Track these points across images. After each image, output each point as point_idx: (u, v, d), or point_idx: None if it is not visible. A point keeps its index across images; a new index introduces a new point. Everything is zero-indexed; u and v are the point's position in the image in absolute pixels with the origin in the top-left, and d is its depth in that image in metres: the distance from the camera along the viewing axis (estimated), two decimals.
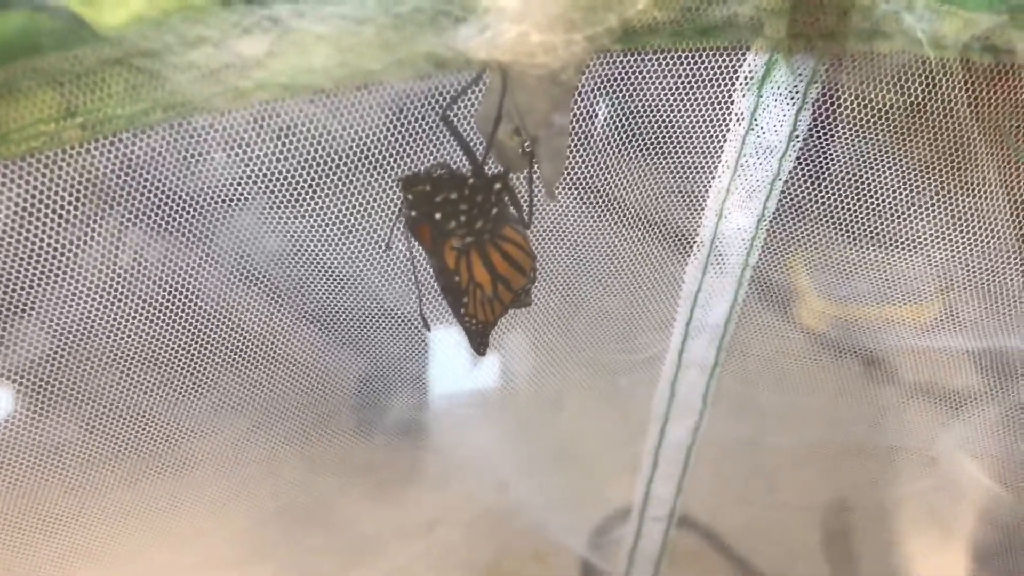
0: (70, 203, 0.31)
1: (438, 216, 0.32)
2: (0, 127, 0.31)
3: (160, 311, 0.39)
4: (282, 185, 0.34)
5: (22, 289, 0.34)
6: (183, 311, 0.40)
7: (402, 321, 0.46)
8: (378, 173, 0.36)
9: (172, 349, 0.41)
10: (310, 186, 0.35)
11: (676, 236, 0.46)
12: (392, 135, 0.34)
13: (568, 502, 0.69)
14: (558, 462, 0.67)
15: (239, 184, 0.33)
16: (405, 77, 0.27)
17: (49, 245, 0.32)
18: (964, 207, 0.39)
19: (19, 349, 0.36)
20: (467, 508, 0.69)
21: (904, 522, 0.68)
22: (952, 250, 0.41)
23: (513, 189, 0.33)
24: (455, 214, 0.32)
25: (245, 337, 0.44)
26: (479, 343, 0.37)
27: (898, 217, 0.41)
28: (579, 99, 0.37)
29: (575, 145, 0.39)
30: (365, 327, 0.47)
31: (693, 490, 0.61)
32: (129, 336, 0.39)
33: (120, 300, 0.35)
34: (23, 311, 0.35)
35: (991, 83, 0.34)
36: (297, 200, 0.36)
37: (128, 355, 0.40)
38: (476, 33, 0.27)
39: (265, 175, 0.33)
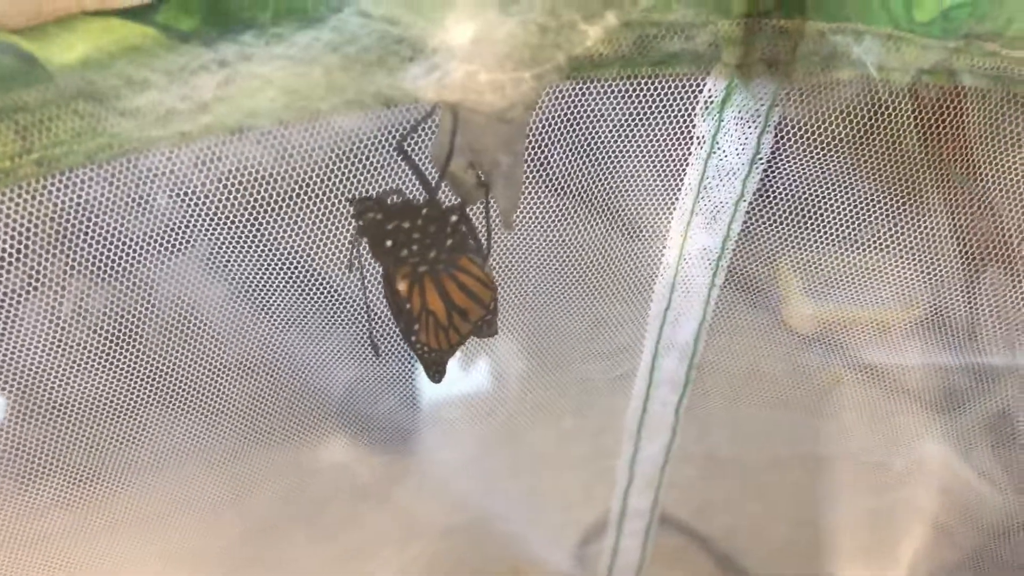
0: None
1: (389, 243, 0.32)
2: None
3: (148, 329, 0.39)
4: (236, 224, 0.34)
5: None
6: (162, 333, 0.40)
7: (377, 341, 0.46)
8: (333, 203, 0.36)
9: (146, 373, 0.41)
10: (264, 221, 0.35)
11: (643, 257, 0.46)
12: (345, 168, 0.34)
13: (546, 515, 0.69)
14: (535, 476, 0.67)
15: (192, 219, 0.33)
16: (353, 115, 0.27)
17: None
18: (910, 235, 0.40)
19: None
20: (446, 520, 0.69)
21: (887, 525, 0.69)
22: (903, 273, 0.42)
23: (470, 220, 0.33)
24: (407, 243, 0.32)
25: (226, 350, 0.44)
26: (434, 371, 0.37)
27: (852, 243, 0.42)
28: (534, 128, 0.37)
29: (534, 169, 0.39)
30: (343, 338, 0.47)
31: (675, 491, 0.61)
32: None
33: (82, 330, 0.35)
34: None
35: (939, 111, 0.35)
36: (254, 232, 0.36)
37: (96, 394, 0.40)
38: (424, 73, 0.27)
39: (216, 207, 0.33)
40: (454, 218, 0.33)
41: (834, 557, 0.70)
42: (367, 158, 0.34)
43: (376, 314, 0.38)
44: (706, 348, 0.49)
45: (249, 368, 0.47)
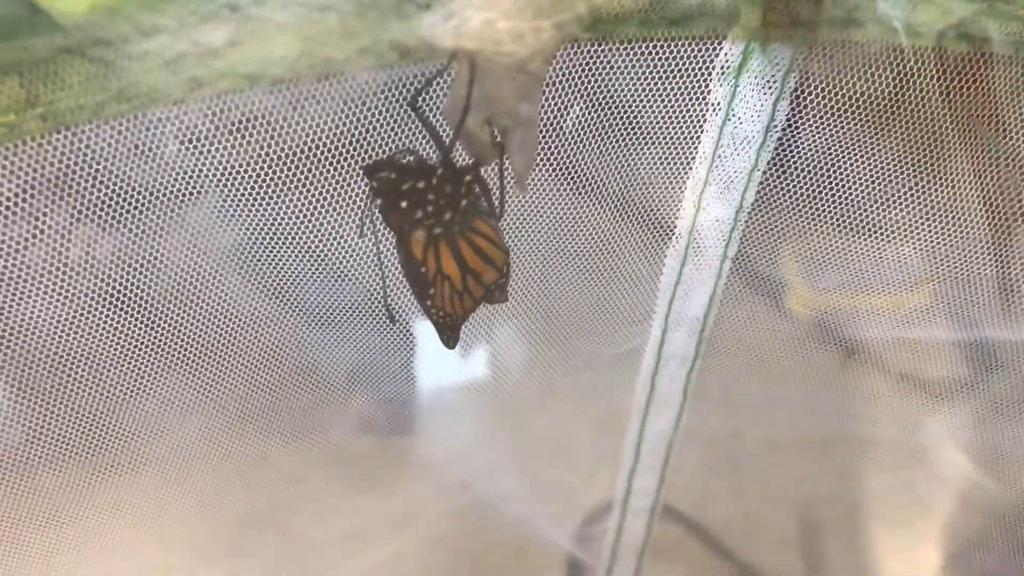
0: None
1: (404, 204, 0.32)
2: None
3: (134, 308, 0.38)
4: (247, 178, 0.33)
5: None
6: (159, 306, 0.39)
7: (382, 313, 0.46)
8: (344, 164, 0.35)
9: (150, 346, 0.41)
10: (276, 177, 0.34)
11: (655, 227, 0.45)
12: (358, 125, 0.34)
13: (551, 496, 0.69)
14: (540, 456, 0.66)
15: (200, 178, 0.32)
16: (368, 67, 0.26)
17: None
18: (937, 198, 0.39)
19: None
20: (451, 501, 0.68)
21: (889, 512, 0.68)
22: (928, 241, 0.41)
23: (484, 181, 0.33)
24: (422, 204, 0.32)
25: (227, 332, 0.44)
26: (448, 336, 0.37)
27: (873, 208, 0.41)
28: (550, 90, 0.36)
29: (549, 137, 0.38)
30: (348, 318, 0.46)
31: (676, 481, 0.61)
32: (104, 333, 0.38)
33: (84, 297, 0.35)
34: None
35: (965, 73, 0.34)
36: (264, 191, 0.35)
37: (100, 353, 0.39)
38: (441, 20, 0.27)
39: (227, 169, 0.32)
40: (468, 178, 0.32)
41: (833, 542, 0.70)
42: (380, 118, 0.34)
43: (391, 280, 0.37)
44: (716, 323, 0.49)
45: (252, 350, 0.46)
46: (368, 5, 0.26)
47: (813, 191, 0.43)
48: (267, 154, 0.32)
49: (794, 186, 0.43)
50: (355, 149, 0.34)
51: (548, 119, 0.38)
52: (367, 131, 0.34)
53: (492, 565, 0.72)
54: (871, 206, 0.41)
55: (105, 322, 0.36)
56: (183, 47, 0.25)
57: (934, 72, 0.34)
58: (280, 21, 0.25)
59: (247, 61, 0.26)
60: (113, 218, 0.32)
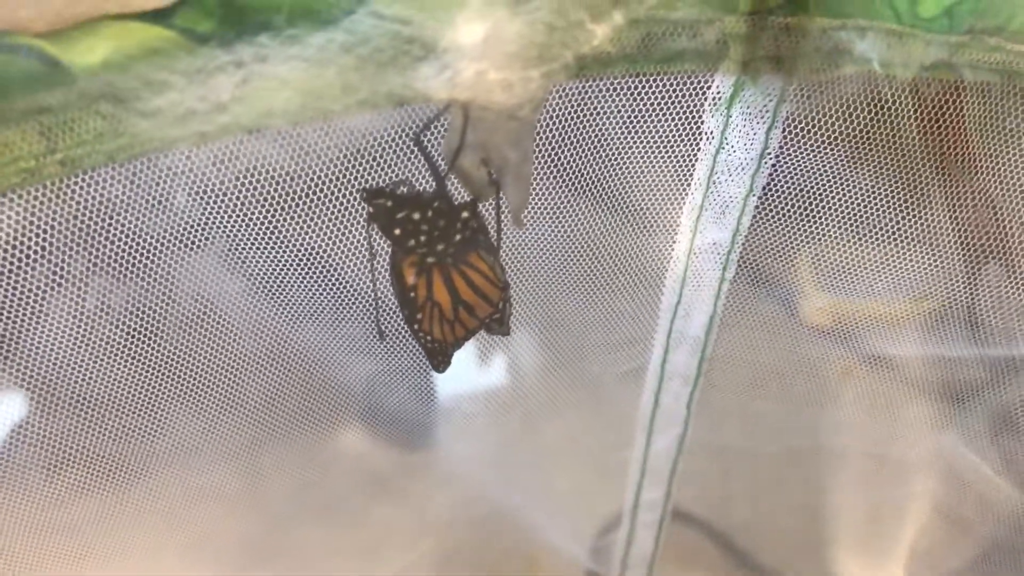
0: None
1: (397, 232, 0.33)
2: None
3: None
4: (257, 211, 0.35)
5: None
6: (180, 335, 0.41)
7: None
8: (345, 198, 0.36)
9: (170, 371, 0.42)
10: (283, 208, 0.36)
11: (652, 251, 0.47)
12: (357, 164, 0.35)
13: (561, 508, 0.70)
14: (550, 469, 0.67)
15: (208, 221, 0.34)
16: (365, 115, 0.27)
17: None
18: (916, 227, 0.40)
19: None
20: (462, 513, 0.69)
21: (901, 518, 0.69)
22: (916, 263, 0.42)
23: (481, 218, 0.34)
24: (415, 233, 0.33)
25: (244, 344, 0.45)
26: (437, 361, 0.38)
27: (860, 236, 0.42)
28: (543, 128, 0.38)
29: (544, 170, 0.40)
30: (360, 335, 0.48)
31: (689, 485, 0.62)
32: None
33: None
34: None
35: (940, 106, 0.35)
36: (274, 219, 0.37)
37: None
38: (436, 72, 0.28)
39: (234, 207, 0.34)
40: (465, 214, 0.33)
41: (846, 549, 0.70)
42: (379, 155, 0.35)
43: (384, 301, 0.39)
44: (717, 341, 0.50)
45: (268, 362, 0.47)
46: (366, 59, 0.27)
47: (808, 215, 0.44)
48: (270, 196, 0.34)
49: (789, 209, 0.44)
50: (355, 186, 0.36)
51: (543, 153, 0.39)
52: (365, 170, 0.36)
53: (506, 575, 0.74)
54: (860, 230, 0.42)
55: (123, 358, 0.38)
56: (192, 103, 0.26)
57: (910, 106, 0.35)
58: (283, 76, 0.27)
59: (251, 113, 0.27)
60: (127, 266, 0.34)
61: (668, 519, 0.64)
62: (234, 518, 0.58)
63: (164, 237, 0.35)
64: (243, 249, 0.38)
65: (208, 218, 0.34)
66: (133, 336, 0.37)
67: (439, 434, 0.65)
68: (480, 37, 0.28)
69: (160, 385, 0.43)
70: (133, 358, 0.38)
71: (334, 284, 0.44)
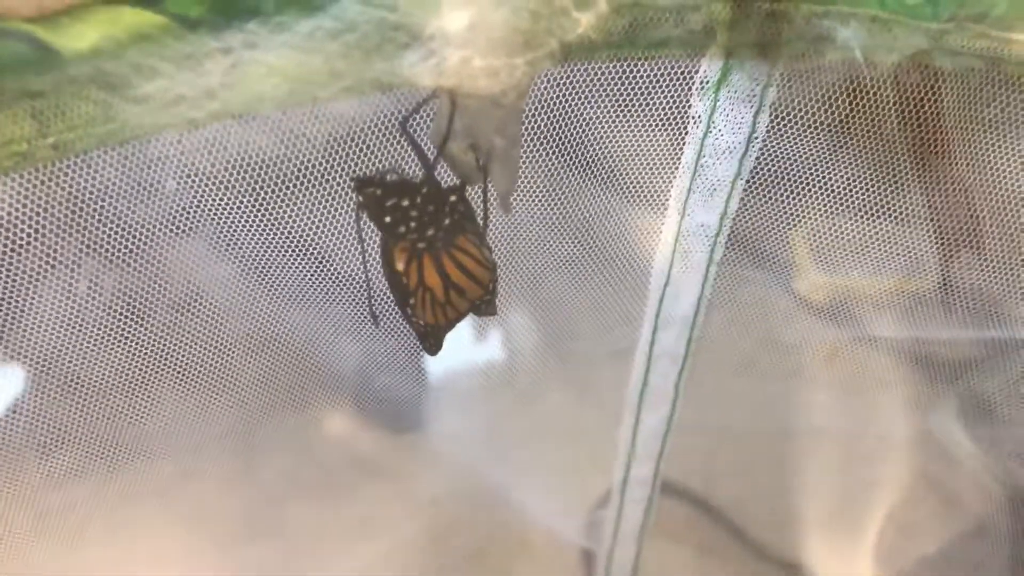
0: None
1: (387, 220, 0.34)
2: None
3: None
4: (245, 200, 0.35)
5: None
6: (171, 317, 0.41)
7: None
8: (334, 183, 0.37)
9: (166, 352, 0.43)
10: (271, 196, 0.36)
11: (640, 234, 0.47)
12: (344, 150, 0.36)
13: (552, 486, 0.71)
14: (541, 447, 0.68)
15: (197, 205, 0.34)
16: (352, 101, 0.28)
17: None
18: (896, 209, 0.41)
19: None
20: (453, 492, 0.70)
21: (888, 492, 0.69)
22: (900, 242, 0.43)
23: (468, 202, 0.34)
24: (405, 220, 0.34)
25: (235, 325, 0.46)
26: (430, 344, 0.38)
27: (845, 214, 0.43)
28: (531, 112, 0.38)
29: (532, 154, 0.40)
30: (349, 316, 0.48)
31: (678, 461, 0.62)
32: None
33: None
34: None
35: (920, 93, 0.35)
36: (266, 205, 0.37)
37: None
38: (421, 59, 0.28)
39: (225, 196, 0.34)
40: (453, 198, 0.34)
41: (819, 527, 0.71)
42: (367, 142, 0.35)
43: (375, 286, 0.39)
44: (705, 322, 0.50)
45: (259, 343, 0.48)
46: (352, 46, 0.28)
47: (795, 194, 0.44)
48: (260, 180, 0.34)
49: (776, 190, 0.45)
50: (343, 171, 0.36)
51: (530, 138, 0.39)
52: (354, 155, 0.36)
53: (497, 552, 0.74)
54: (844, 209, 0.43)
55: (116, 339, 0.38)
56: (181, 90, 0.27)
57: (891, 93, 0.35)
58: (270, 63, 0.27)
59: (240, 99, 0.27)
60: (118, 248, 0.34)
61: (657, 495, 0.64)
62: (226, 496, 0.59)
63: (154, 220, 0.36)
64: (232, 233, 0.39)
65: (197, 202, 0.34)
66: (125, 318, 0.38)
67: (430, 414, 0.66)
68: (465, 24, 0.28)
69: (151, 366, 0.43)
70: (125, 339, 0.39)
71: (323, 267, 0.44)
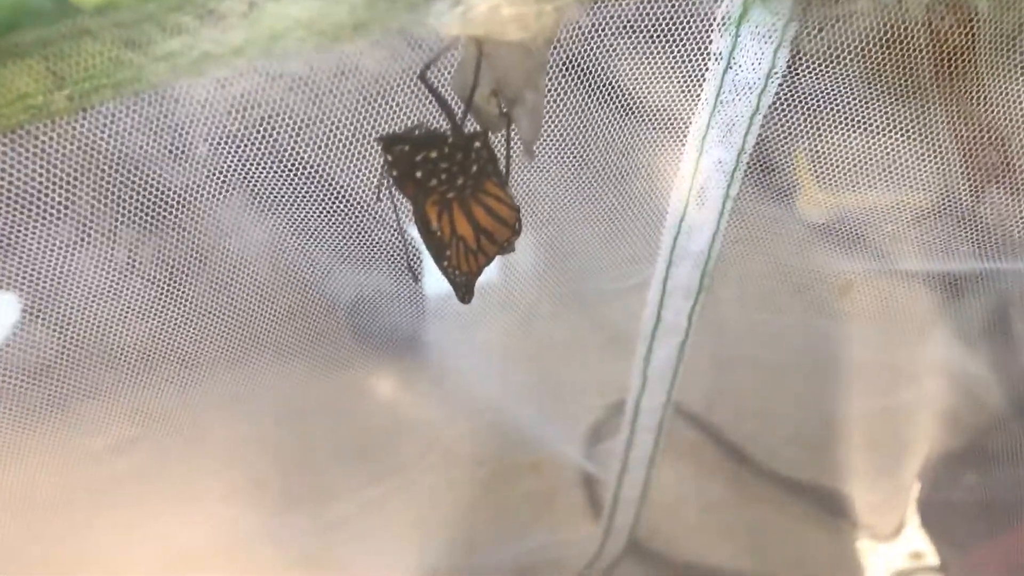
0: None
1: (419, 175, 0.33)
2: None
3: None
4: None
5: None
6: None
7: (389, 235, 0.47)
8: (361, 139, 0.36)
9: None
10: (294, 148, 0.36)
11: (658, 169, 0.47)
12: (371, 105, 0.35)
13: (564, 412, 0.72)
14: (553, 376, 0.69)
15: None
16: (379, 59, 0.27)
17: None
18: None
19: None
20: (462, 419, 0.71)
21: (897, 418, 0.71)
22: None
23: (492, 148, 0.34)
24: (435, 172, 0.33)
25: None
26: (463, 292, 0.39)
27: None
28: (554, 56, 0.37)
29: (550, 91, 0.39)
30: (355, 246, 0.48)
31: (689, 389, 0.63)
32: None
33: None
34: None
35: (952, 34, 0.35)
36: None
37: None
38: (448, 8, 0.28)
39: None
40: (477, 144, 0.34)
41: (843, 449, 0.73)
42: (388, 95, 0.35)
43: (410, 240, 0.39)
44: (719, 256, 0.50)
45: (254, 280, 0.47)
46: None
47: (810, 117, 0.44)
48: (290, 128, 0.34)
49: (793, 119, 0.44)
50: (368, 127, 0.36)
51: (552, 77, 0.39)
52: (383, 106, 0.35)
53: (506, 479, 0.76)
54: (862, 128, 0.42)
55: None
56: (205, 46, 0.26)
57: (922, 37, 0.34)
58: (294, 15, 0.27)
59: (264, 54, 0.27)
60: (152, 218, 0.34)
61: (668, 422, 0.65)
62: (240, 421, 0.59)
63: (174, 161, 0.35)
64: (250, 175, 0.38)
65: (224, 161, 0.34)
66: (153, 281, 0.38)
67: (437, 346, 0.66)
68: None
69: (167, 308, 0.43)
70: (154, 303, 0.39)
71: (323, 191, 0.43)
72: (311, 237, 0.43)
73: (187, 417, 0.53)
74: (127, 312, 0.38)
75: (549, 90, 0.39)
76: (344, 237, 0.44)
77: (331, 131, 0.35)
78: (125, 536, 0.54)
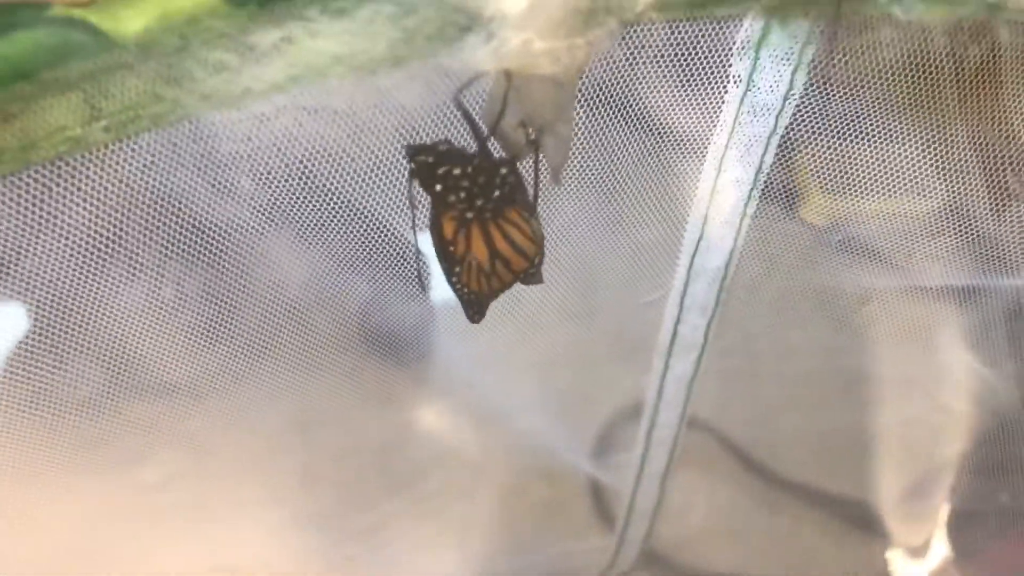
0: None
1: (438, 188, 0.34)
2: (29, 135, 0.32)
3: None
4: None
5: None
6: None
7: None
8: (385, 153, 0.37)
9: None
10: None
11: (676, 189, 0.47)
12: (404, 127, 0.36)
13: (573, 426, 0.72)
14: (563, 387, 0.69)
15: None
16: (415, 93, 0.28)
17: None
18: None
19: None
20: (475, 430, 0.71)
21: (919, 432, 0.71)
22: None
23: (519, 175, 0.35)
24: (456, 189, 0.34)
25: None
26: (473, 312, 0.39)
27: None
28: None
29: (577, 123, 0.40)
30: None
31: (705, 400, 0.63)
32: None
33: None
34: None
35: (975, 61, 0.35)
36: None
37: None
38: (482, 42, 0.28)
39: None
40: (504, 171, 0.34)
41: (864, 461, 0.73)
42: (420, 119, 0.35)
43: (423, 252, 0.40)
44: (736, 272, 0.51)
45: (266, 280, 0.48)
46: (413, 31, 0.28)
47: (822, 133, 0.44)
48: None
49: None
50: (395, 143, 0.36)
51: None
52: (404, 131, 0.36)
53: (519, 491, 0.76)
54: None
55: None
56: (246, 83, 0.27)
57: (945, 62, 0.35)
58: (333, 52, 0.27)
59: (304, 93, 0.28)
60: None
61: (683, 436, 0.66)
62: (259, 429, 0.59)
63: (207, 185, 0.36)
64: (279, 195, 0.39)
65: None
66: (187, 302, 0.38)
67: (452, 355, 0.66)
68: (525, 5, 0.28)
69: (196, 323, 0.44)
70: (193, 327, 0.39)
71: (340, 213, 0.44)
72: (340, 260, 0.43)
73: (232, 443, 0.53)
74: (173, 346, 0.38)
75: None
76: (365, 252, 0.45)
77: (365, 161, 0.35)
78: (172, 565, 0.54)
